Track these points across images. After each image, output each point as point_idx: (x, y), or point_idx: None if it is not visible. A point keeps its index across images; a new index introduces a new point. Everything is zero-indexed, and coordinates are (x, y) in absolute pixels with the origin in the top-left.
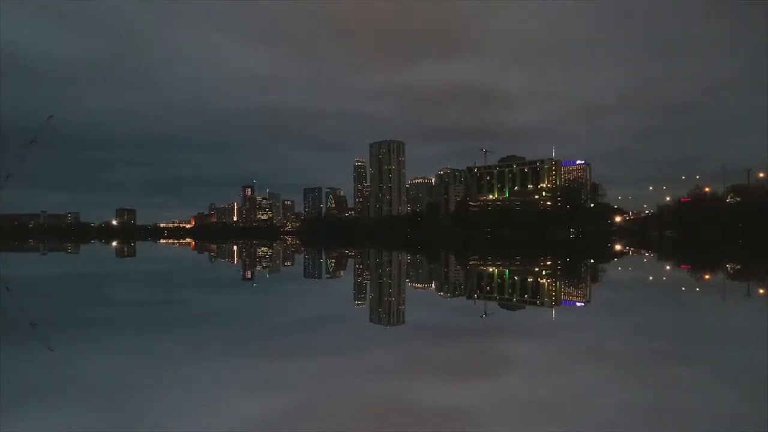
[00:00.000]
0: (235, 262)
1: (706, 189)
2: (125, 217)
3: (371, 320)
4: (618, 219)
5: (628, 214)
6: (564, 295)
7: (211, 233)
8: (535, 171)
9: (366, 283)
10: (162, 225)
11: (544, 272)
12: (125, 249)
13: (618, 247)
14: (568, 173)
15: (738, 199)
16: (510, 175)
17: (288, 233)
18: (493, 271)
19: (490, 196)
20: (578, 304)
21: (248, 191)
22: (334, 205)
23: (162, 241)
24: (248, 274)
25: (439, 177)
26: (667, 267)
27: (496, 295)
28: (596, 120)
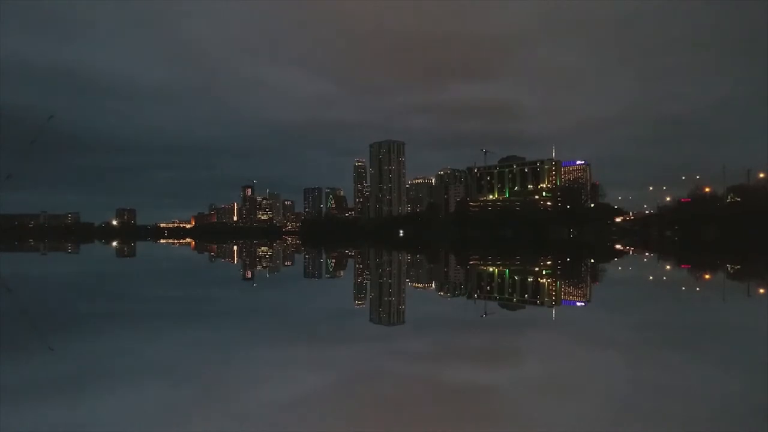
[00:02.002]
0: (235, 261)
1: (706, 189)
2: (125, 217)
3: (371, 320)
4: (618, 219)
5: (628, 214)
6: (564, 294)
7: (211, 233)
8: (535, 171)
9: (366, 283)
10: (162, 225)
11: (544, 272)
12: (125, 249)
13: (618, 247)
14: (568, 173)
15: (738, 200)
16: (510, 176)
17: (288, 233)
18: (493, 271)
19: (491, 197)
20: (579, 303)
21: (248, 191)
22: (334, 205)
23: (162, 241)
24: (248, 274)
25: (439, 177)
26: (667, 267)
27: (496, 294)
28: (600, 129)
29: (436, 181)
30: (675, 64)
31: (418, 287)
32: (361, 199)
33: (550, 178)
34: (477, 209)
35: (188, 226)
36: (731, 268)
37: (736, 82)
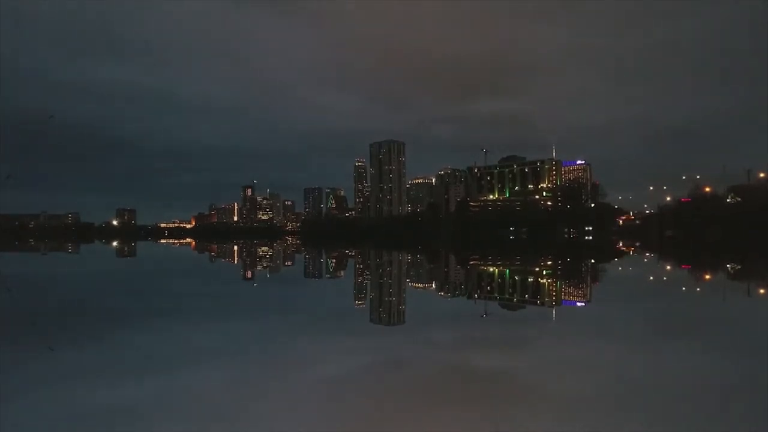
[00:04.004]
0: (236, 262)
1: (707, 189)
2: (125, 217)
3: (371, 320)
4: (618, 219)
5: (629, 214)
6: (564, 295)
7: (211, 233)
8: (535, 171)
9: (366, 283)
10: (162, 225)
11: (544, 272)
12: (125, 249)
13: (618, 247)
14: (569, 173)
15: (738, 200)
16: (510, 175)
17: (288, 233)
18: (494, 271)
19: (491, 196)
20: (579, 303)
21: (248, 191)
22: (334, 205)
23: (162, 241)
24: (249, 274)
25: (439, 177)
26: (668, 267)
27: (496, 295)
28: (601, 134)
29: (436, 181)
30: (675, 76)
31: (418, 287)
32: (361, 199)
33: (551, 178)
34: (477, 209)
35: (188, 226)
36: (732, 268)
37: (734, 89)
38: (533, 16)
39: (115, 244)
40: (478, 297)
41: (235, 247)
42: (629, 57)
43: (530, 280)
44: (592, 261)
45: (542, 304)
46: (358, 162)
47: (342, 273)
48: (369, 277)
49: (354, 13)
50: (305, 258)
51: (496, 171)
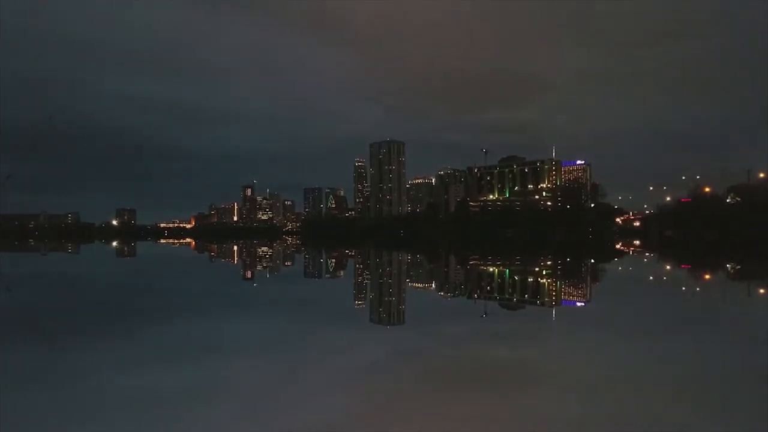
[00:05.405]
0: (235, 261)
1: (707, 189)
2: (125, 217)
3: (371, 320)
4: (618, 219)
5: (629, 214)
6: (564, 294)
7: (211, 233)
8: (535, 171)
9: (366, 283)
10: (162, 225)
11: (544, 272)
12: (125, 249)
13: (618, 247)
14: (569, 173)
15: (738, 200)
16: (510, 176)
17: (288, 233)
18: (493, 271)
19: (491, 197)
20: (579, 303)
21: (248, 191)
22: (334, 206)
23: (162, 241)
24: (248, 274)
25: (439, 177)
26: (667, 267)
27: (496, 294)
28: (602, 134)
29: (436, 181)
30: (675, 78)
31: (418, 287)
32: (361, 199)
33: (550, 178)
34: (477, 209)
35: (188, 226)
36: (731, 268)
37: (734, 90)
38: (540, 35)
39: (115, 244)
40: (478, 297)
41: (235, 248)
42: (630, 64)
43: (530, 280)
44: (592, 261)
45: (542, 304)
46: (358, 162)
47: (342, 273)
48: (369, 277)
49: (374, 34)
50: (305, 258)
51: (496, 171)
